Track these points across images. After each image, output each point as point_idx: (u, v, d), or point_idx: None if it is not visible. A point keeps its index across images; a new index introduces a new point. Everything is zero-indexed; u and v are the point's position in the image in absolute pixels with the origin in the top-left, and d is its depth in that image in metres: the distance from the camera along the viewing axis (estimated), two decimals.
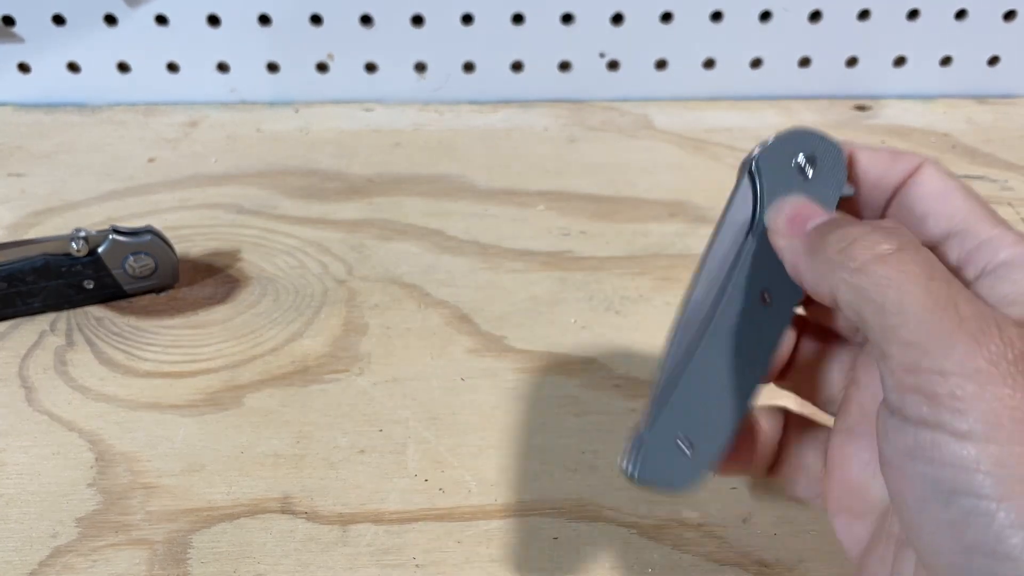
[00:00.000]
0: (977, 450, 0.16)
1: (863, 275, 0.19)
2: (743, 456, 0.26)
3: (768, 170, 0.24)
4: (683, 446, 0.24)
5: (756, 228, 0.24)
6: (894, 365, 0.18)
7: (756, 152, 0.24)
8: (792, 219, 0.23)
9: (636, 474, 0.23)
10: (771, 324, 0.25)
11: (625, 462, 0.24)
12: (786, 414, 0.28)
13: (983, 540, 0.16)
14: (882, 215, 0.25)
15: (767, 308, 0.24)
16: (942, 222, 0.23)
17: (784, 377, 0.27)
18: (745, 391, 0.24)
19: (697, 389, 0.24)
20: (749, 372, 0.24)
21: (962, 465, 0.17)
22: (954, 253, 0.22)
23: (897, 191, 0.24)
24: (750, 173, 0.24)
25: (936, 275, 0.19)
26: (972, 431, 0.16)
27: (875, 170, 0.24)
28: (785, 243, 0.23)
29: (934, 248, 0.23)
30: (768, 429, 0.27)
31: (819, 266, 0.21)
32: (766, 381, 0.26)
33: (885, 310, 0.18)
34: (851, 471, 0.25)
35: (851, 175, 0.25)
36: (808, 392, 0.28)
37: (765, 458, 0.27)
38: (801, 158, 0.24)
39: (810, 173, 0.24)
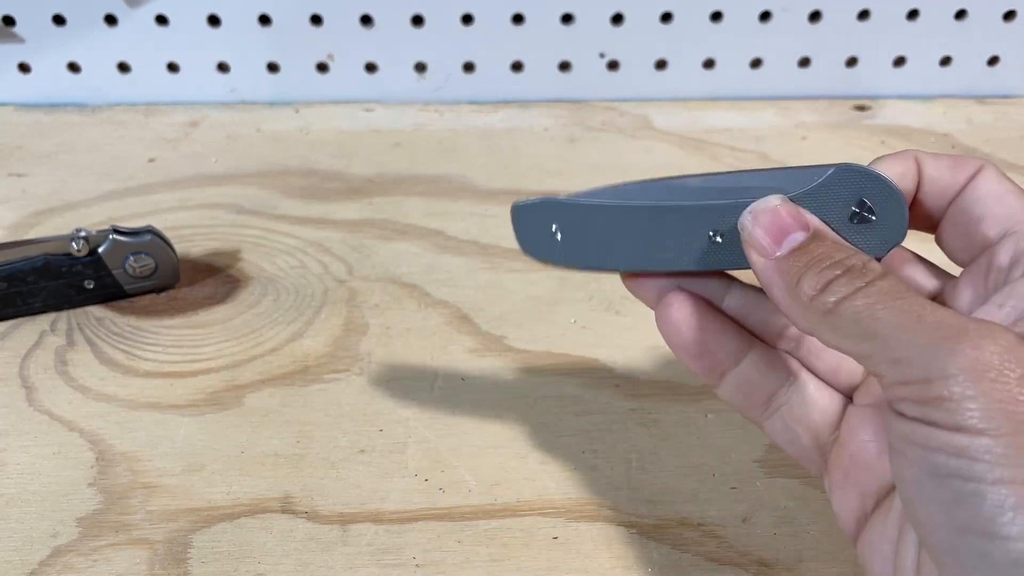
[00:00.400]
0: (969, 439, 0.18)
1: (838, 317, 0.21)
2: (706, 343, 0.26)
3: (836, 180, 0.24)
4: (557, 235, 0.27)
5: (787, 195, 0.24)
6: (887, 382, 0.20)
7: (839, 164, 0.24)
8: (766, 232, 0.23)
9: (516, 207, 0.27)
10: (700, 253, 0.26)
11: (526, 200, 0.27)
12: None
13: (975, 520, 0.18)
14: (941, 216, 0.25)
15: (709, 242, 0.25)
16: (998, 223, 0.23)
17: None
18: (631, 259, 0.26)
19: (606, 219, 0.26)
20: (650, 255, 0.26)
21: (955, 452, 0.18)
22: (1007, 254, 0.23)
23: (957, 195, 0.24)
24: (824, 171, 0.24)
25: (904, 295, 0.20)
26: (963, 424, 0.18)
27: (942, 179, 0.24)
28: (759, 263, 0.23)
29: (989, 247, 0.24)
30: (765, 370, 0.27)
31: (794, 306, 0.22)
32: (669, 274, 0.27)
33: (862, 341, 0.20)
34: (864, 446, 0.25)
35: (918, 184, 0.25)
36: (825, 370, 0.27)
37: (758, 392, 0.27)
38: (864, 203, 0.24)
39: (856, 220, 0.24)
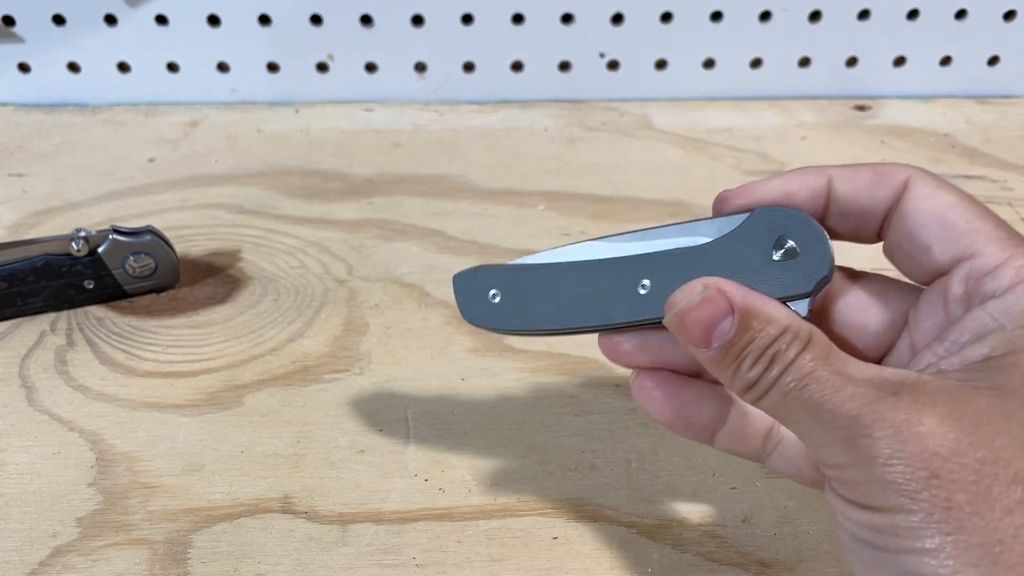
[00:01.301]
0: (872, 516, 0.20)
1: (766, 410, 0.23)
2: (686, 412, 0.27)
3: (755, 222, 0.25)
4: (495, 298, 0.28)
5: (694, 246, 0.25)
6: (819, 461, 0.22)
7: (757, 208, 0.25)
8: (697, 329, 0.23)
9: (456, 277, 0.29)
10: (629, 306, 0.26)
11: (464, 271, 0.29)
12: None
13: None
14: (876, 238, 0.25)
15: (637, 294, 0.26)
16: (946, 249, 0.23)
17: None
18: (565, 317, 0.27)
19: (538, 280, 0.27)
20: (582, 312, 0.27)
21: (864, 525, 0.21)
22: (958, 285, 0.23)
23: (890, 211, 0.24)
24: (745, 215, 0.25)
25: (813, 384, 0.22)
26: (869, 504, 0.20)
27: (860, 199, 0.24)
28: (697, 355, 0.24)
29: (942, 274, 0.24)
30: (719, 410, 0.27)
31: (729, 385, 0.23)
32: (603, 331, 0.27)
33: (789, 425, 0.23)
34: None
35: (828, 206, 0.25)
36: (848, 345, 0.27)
37: (750, 439, 0.27)
38: (785, 240, 0.24)
39: (780, 257, 0.24)
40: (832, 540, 0.32)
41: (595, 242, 0.27)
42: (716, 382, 0.27)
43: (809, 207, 0.25)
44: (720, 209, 0.26)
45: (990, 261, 0.22)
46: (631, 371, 0.28)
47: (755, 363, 0.22)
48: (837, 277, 0.26)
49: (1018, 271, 0.22)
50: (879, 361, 0.26)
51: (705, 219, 0.26)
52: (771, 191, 0.25)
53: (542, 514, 0.33)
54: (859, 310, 0.26)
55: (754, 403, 0.23)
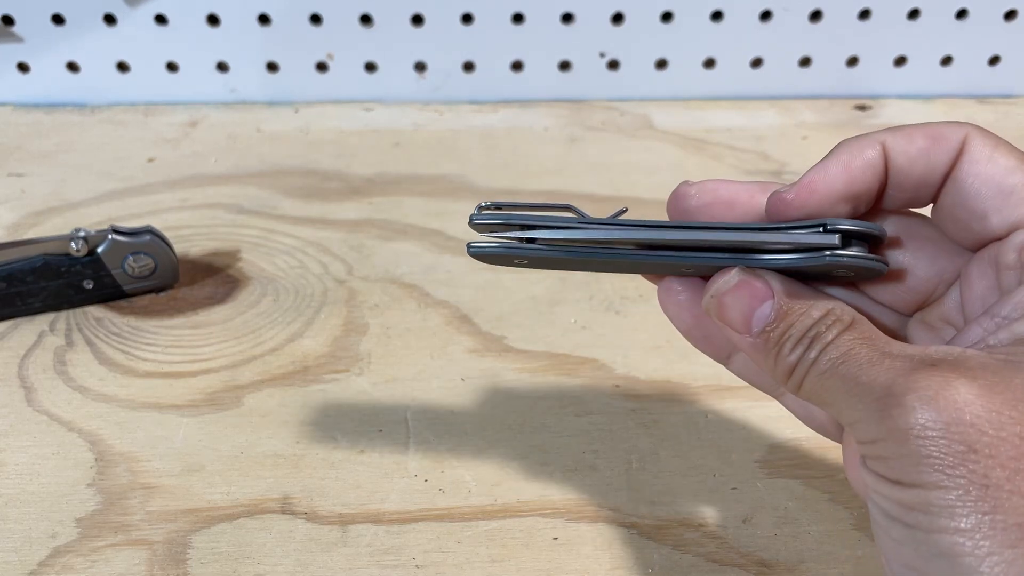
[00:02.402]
0: (905, 492, 0.20)
1: (806, 393, 0.23)
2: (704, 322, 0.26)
3: (818, 262, 0.23)
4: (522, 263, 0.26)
5: (746, 256, 0.24)
6: (856, 438, 0.22)
7: (830, 241, 0.23)
8: (739, 317, 0.23)
9: (474, 253, 0.25)
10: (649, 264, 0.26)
11: (478, 241, 0.26)
12: None
13: (914, 561, 0.20)
14: (934, 200, 0.24)
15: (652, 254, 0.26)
16: (1005, 218, 0.22)
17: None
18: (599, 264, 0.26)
19: (569, 259, 0.26)
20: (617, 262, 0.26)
21: (896, 501, 0.20)
22: (1012, 254, 0.22)
23: (946, 179, 0.23)
24: (810, 244, 0.23)
25: (850, 361, 0.21)
26: (901, 480, 0.20)
27: (916, 169, 0.23)
28: (737, 340, 0.24)
29: (996, 241, 0.22)
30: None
31: (769, 372, 0.23)
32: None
33: (825, 407, 0.22)
34: None
35: (887, 173, 0.23)
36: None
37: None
38: (842, 269, 0.23)
39: (836, 276, 0.24)
40: (832, 540, 0.31)
41: (638, 221, 0.26)
42: None
43: (869, 191, 0.23)
44: (782, 213, 0.23)
45: None
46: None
47: (795, 346, 0.22)
48: (899, 217, 0.25)
49: None
50: (923, 307, 0.25)
51: (764, 224, 0.24)
52: (832, 184, 0.23)
53: (542, 514, 0.33)
54: (913, 250, 0.25)
55: (795, 391, 0.23)
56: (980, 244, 0.23)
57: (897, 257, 0.25)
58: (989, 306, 0.23)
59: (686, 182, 0.26)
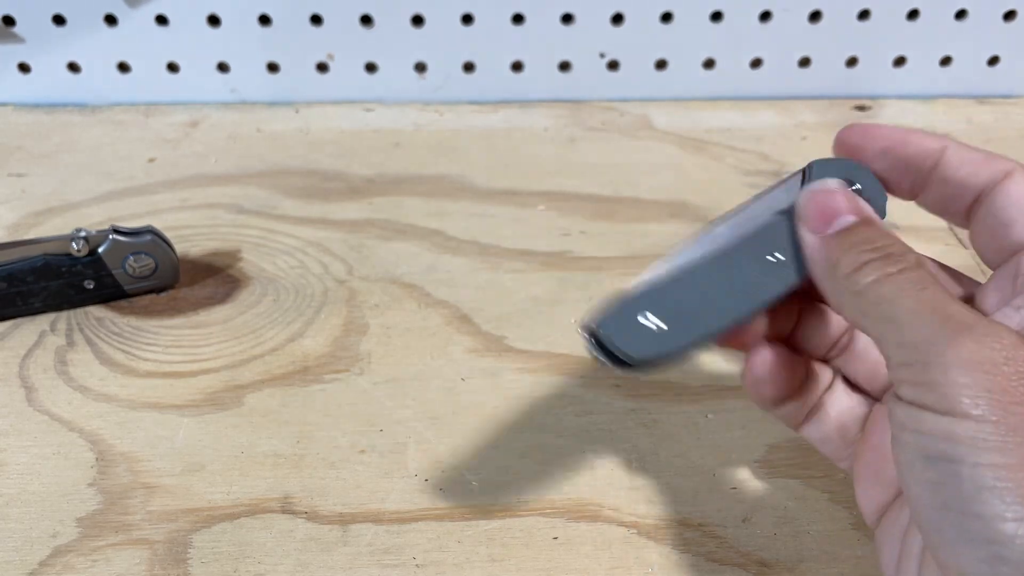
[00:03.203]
0: (956, 423, 0.19)
1: (864, 298, 0.22)
2: (788, 384, 0.27)
3: (820, 175, 0.26)
4: (650, 324, 0.25)
5: (790, 211, 0.26)
6: (892, 363, 0.21)
7: (814, 162, 0.27)
8: (820, 211, 0.24)
9: (600, 326, 0.25)
10: (774, 278, 0.26)
11: (592, 317, 0.25)
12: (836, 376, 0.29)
13: (955, 499, 0.19)
14: (966, 216, 0.26)
15: (774, 265, 0.26)
16: None
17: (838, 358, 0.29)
18: (728, 311, 0.26)
19: (684, 290, 0.26)
20: (740, 300, 0.26)
21: (942, 435, 0.19)
22: None
23: (983, 194, 0.25)
24: (803, 172, 0.27)
25: (927, 287, 0.22)
26: (953, 409, 0.19)
27: (964, 169, 0.25)
28: (808, 239, 0.24)
29: (1018, 252, 0.24)
30: (818, 380, 0.28)
31: (831, 282, 0.24)
32: (747, 322, 0.27)
33: (880, 322, 0.22)
34: (886, 438, 0.25)
35: (938, 171, 0.26)
36: (865, 375, 0.28)
37: (806, 405, 0.28)
38: (848, 184, 0.26)
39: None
40: (832, 540, 0.32)
41: (699, 239, 0.27)
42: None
43: (918, 161, 0.26)
44: (861, 147, 0.27)
45: None
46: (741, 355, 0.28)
47: (868, 251, 0.23)
48: None
49: None
50: None
51: (772, 187, 0.27)
52: (889, 137, 0.26)
53: (542, 514, 0.33)
54: None
55: (851, 295, 0.23)
56: (1002, 255, 0.25)
57: None
58: (1009, 302, 0.24)
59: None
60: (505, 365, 0.39)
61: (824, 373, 0.28)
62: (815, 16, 0.55)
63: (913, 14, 0.55)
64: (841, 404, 0.28)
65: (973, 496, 0.19)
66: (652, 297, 0.25)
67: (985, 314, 0.25)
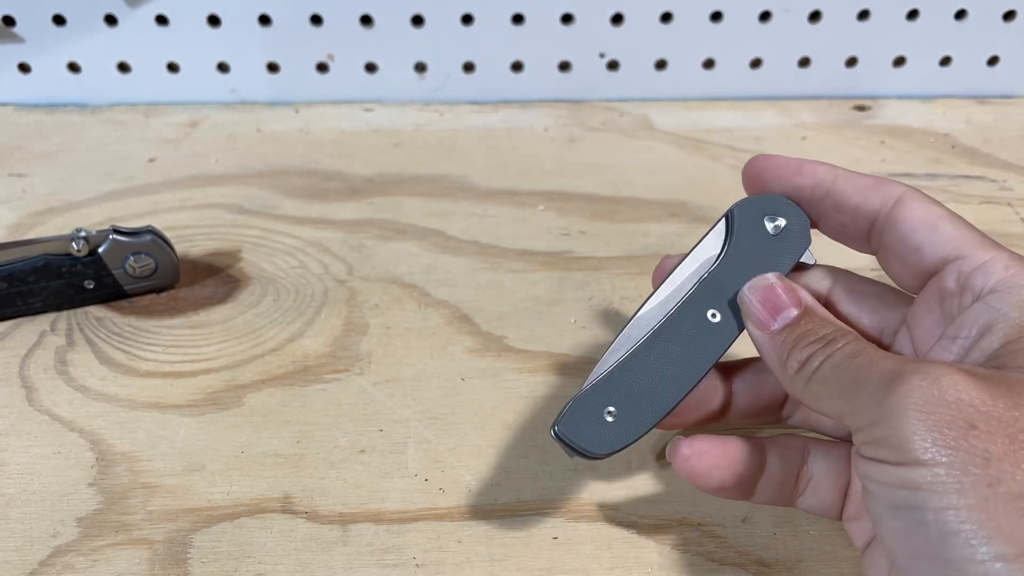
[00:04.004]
0: (911, 472, 0.20)
1: (814, 385, 0.24)
2: (733, 477, 0.28)
3: (741, 219, 0.28)
4: (608, 416, 0.27)
5: (720, 261, 0.28)
6: (852, 431, 0.23)
7: (734, 206, 0.29)
8: (763, 308, 0.26)
9: (561, 429, 0.27)
10: (715, 338, 0.28)
11: (558, 420, 0.27)
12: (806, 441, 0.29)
13: (925, 547, 0.20)
14: (865, 241, 0.27)
15: (714, 324, 0.28)
16: (936, 251, 0.25)
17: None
18: (678, 384, 0.28)
19: (634, 370, 0.28)
20: (686, 370, 0.28)
21: (902, 484, 0.20)
22: (951, 280, 0.25)
23: (879, 219, 0.26)
24: (726, 217, 0.29)
25: (859, 353, 0.23)
26: (905, 459, 0.20)
27: (856, 197, 0.27)
28: (756, 335, 0.26)
29: (935, 275, 0.25)
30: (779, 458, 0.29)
31: (784, 379, 0.25)
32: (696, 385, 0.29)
33: (832, 401, 0.24)
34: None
35: (825, 198, 0.28)
36: (830, 424, 0.30)
37: (749, 481, 0.28)
38: (771, 219, 0.28)
39: (776, 231, 0.28)
40: (832, 540, 0.32)
41: (639, 314, 0.29)
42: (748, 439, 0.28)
43: (808, 190, 0.28)
44: (761, 179, 0.29)
45: (977, 259, 0.24)
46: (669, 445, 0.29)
47: (809, 345, 0.24)
48: (838, 274, 0.29)
49: (1006, 267, 0.24)
50: None
51: (698, 243, 0.29)
52: (786, 166, 0.28)
53: (542, 514, 0.33)
54: (855, 304, 0.28)
55: (800, 387, 0.24)
56: (919, 280, 0.26)
57: (844, 308, 0.28)
58: (943, 331, 0.25)
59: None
60: (505, 365, 0.39)
61: (798, 442, 0.29)
62: (815, 16, 0.55)
63: (913, 14, 0.55)
64: (828, 465, 0.28)
65: (941, 542, 0.19)
66: (603, 391, 0.28)
67: (923, 342, 0.26)
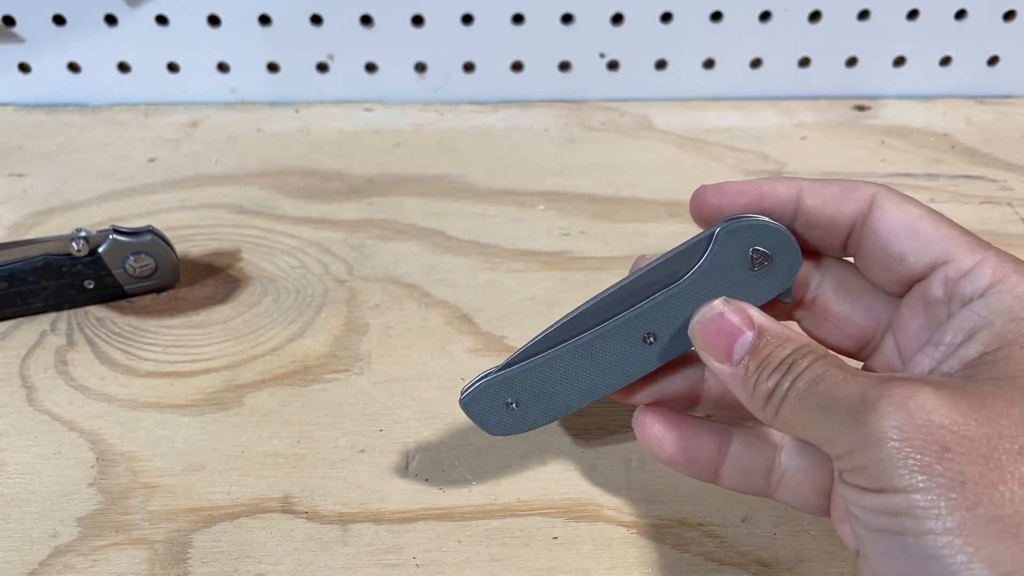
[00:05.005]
0: (889, 498, 0.20)
1: (783, 416, 0.23)
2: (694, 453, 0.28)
3: (723, 246, 0.26)
4: (512, 405, 0.29)
5: (681, 284, 0.27)
6: (832, 457, 0.22)
7: (719, 226, 0.27)
8: (716, 342, 0.25)
9: (464, 402, 0.29)
10: (642, 360, 0.28)
11: (465, 386, 0.29)
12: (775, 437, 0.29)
13: (906, 569, 0.20)
14: (843, 249, 0.26)
15: (646, 347, 0.27)
16: (920, 257, 0.24)
17: None
18: (587, 394, 0.28)
19: (548, 372, 0.28)
20: (600, 383, 0.28)
21: (882, 511, 0.20)
22: (938, 288, 0.24)
23: (854, 228, 0.25)
24: (708, 238, 0.27)
25: (823, 377, 0.22)
26: (884, 486, 0.20)
27: (826, 209, 0.26)
28: (717, 368, 0.25)
29: (920, 281, 0.25)
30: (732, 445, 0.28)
31: (754, 411, 0.24)
32: (614, 394, 0.29)
33: (807, 429, 0.23)
34: None
35: (796, 216, 0.26)
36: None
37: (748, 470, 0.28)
38: (758, 253, 0.26)
39: (757, 267, 0.26)
40: (832, 540, 0.32)
41: (575, 314, 0.28)
42: (711, 418, 0.28)
43: (778, 214, 0.26)
44: (699, 205, 0.28)
45: (965, 264, 0.24)
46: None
47: (773, 373, 0.23)
48: (827, 266, 0.28)
49: (994, 271, 0.23)
50: (862, 356, 0.28)
51: (671, 252, 0.27)
52: (745, 193, 0.27)
53: (542, 514, 0.33)
54: (847, 302, 0.27)
55: (771, 419, 0.24)
56: (904, 286, 0.25)
57: (835, 306, 0.27)
58: (928, 338, 0.24)
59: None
60: None
61: (771, 435, 0.28)
62: (815, 16, 0.55)
63: (913, 14, 0.55)
64: (804, 462, 0.27)
65: (923, 565, 0.19)
66: (510, 385, 0.28)
67: (908, 348, 0.25)
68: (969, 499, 0.19)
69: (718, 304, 0.25)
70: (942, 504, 0.19)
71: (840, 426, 0.21)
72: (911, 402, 0.20)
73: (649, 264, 0.28)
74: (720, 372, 0.25)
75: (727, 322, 0.25)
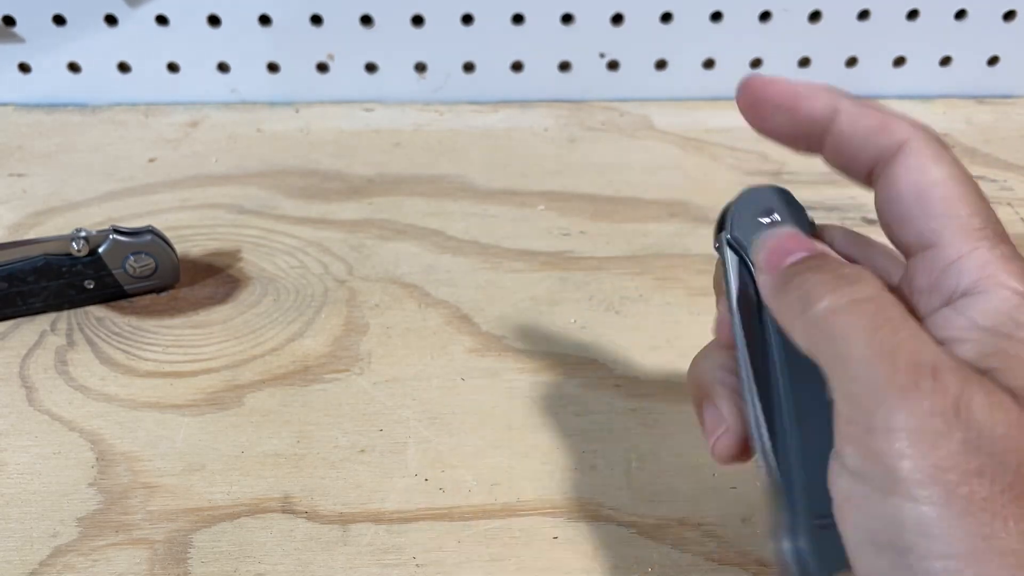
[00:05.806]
0: (899, 508, 0.17)
1: (815, 327, 0.20)
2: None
3: (743, 237, 0.25)
4: (823, 523, 0.20)
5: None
6: (838, 415, 0.19)
7: (727, 233, 0.25)
8: (772, 253, 0.23)
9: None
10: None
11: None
12: None
13: None
14: (867, 181, 0.23)
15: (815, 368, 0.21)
16: (913, 231, 0.22)
17: None
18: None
19: (803, 468, 0.22)
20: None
21: (890, 521, 0.17)
22: (922, 276, 0.21)
23: (880, 166, 0.22)
24: (730, 247, 0.25)
25: (882, 324, 0.19)
26: (895, 488, 0.17)
27: (857, 137, 0.23)
28: (763, 279, 0.22)
29: (909, 256, 0.22)
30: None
31: (781, 308, 0.21)
32: None
33: (831, 362, 0.19)
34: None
35: (831, 135, 0.24)
36: None
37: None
38: (765, 213, 0.25)
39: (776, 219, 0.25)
40: None
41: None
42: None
43: (807, 128, 0.24)
44: (754, 104, 0.26)
45: (949, 253, 0.21)
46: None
47: (819, 272, 0.21)
48: (835, 232, 0.26)
49: (983, 264, 0.21)
50: None
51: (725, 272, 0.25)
52: (782, 94, 0.25)
53: (542, 514, 0.33)
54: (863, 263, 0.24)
55: (802, 320, 0.20)
56: (907, 250, 0.22)
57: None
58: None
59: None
60: (505, 365, 0.39)
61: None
62: (815, 16, 0.55)
63: (913, 14, 0.55)
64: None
65: None
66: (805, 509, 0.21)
67: (921, 304, 0.22)
68: (986, 529, 0.17)
69: (785, 228, 0.24)
70: (955, 526, 0.17)
71: (874, 392, 0.18)
72: (954, 387, 0.17)
73: (728, 314, 0.25)
74: (763, 283, 0.22)
75: (785, 241, 0.23)
